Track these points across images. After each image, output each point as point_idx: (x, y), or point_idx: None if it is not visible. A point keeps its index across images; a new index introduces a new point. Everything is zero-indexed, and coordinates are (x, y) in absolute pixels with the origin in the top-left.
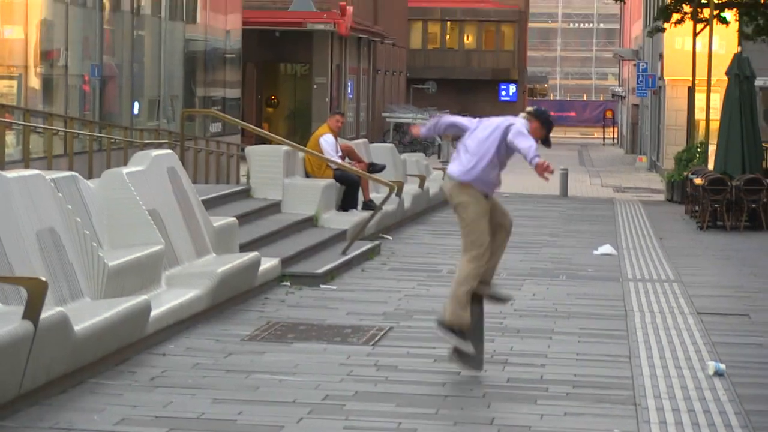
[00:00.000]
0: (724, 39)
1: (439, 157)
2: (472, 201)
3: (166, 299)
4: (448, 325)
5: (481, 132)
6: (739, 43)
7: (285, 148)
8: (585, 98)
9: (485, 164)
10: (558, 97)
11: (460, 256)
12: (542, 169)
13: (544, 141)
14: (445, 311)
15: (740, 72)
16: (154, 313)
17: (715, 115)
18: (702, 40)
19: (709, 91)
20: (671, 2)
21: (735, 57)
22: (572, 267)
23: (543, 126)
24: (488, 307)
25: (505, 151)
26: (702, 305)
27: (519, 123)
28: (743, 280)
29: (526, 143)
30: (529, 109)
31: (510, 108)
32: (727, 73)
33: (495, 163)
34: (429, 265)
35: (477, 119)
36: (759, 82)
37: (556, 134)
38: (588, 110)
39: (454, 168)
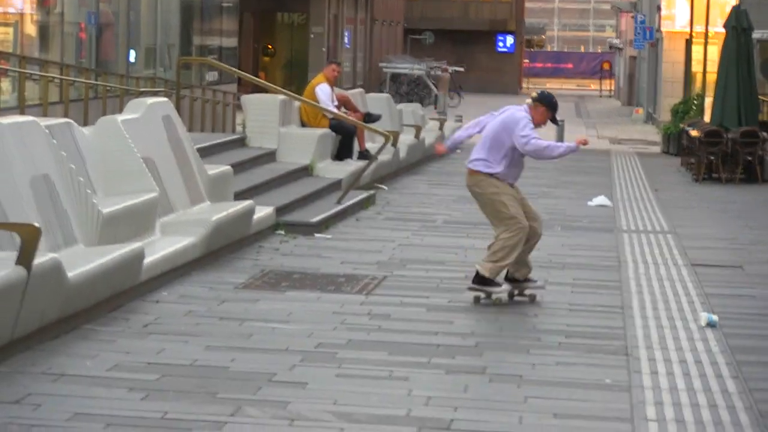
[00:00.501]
0: None
1: (435, 108)
2: (500, 190)
3: (160, 247)
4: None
5: (490, 128)
6: None
7: (281, 97)
8: (582, 50)
9: (503, 158)
10: (555, 49)
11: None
12: (581, 144)
13: (552, 120)
14: (484, 269)
15: (738, 24)
16: (147, 260)
17: (712, 67)
18: None
19: (706, 44)
20: None
21: (733, 10)
22: (567, 218)
23: (549, 109)
24: (481, 257)
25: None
26: (696, 257)
27: (521, 124)
28: (738, 232)
29: (543, 149)
30: (533, 95)
31: (507, 60)
32: (725, 26)
33: (511, 157)
34: (424, 215)
35: (490, 114)
36: (756, 34)
37: (553, 85)
38: (585, 62)
39: (478, 162)
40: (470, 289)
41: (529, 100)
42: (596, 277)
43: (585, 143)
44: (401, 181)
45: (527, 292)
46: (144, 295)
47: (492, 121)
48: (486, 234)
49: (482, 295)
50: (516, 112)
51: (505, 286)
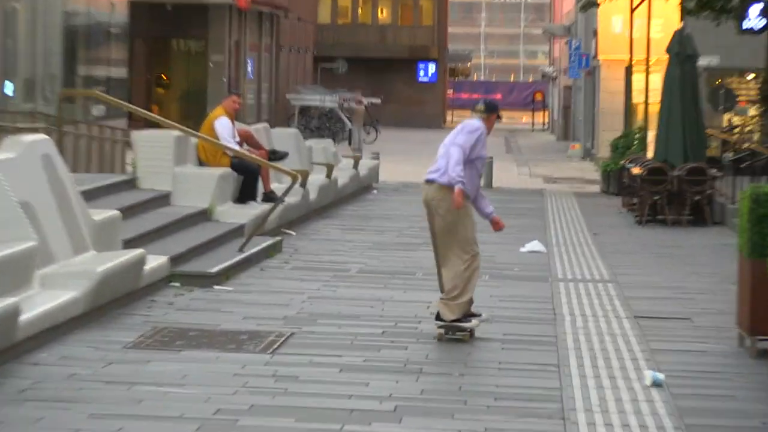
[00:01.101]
0: (664, 15)
1: (349, 144)
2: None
3: (39, 302)
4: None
5: (449, 139)
6: (681, 19)
7: (176, 133)
8: (512, 79)
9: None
10: (482, 78)
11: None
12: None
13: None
14: (450, 312)
15: (682, 51)
16: (24, 317)
17: (655, 97)
18: (640, 16)
19: (647, 72)
20: None
21: (676, 34)
22: (496, 266)
23: (494, 113)
24: (401, 311)
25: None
26: (639, 308)
27: (474, 135)
28: (685, 280)
29: (454, 164)
30: (479, 106)
31: (429, 90)
32: (667, 52)
33: (470, 168)
34: (336, 263)
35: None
36: (702, 61)
37: None
38: (515, 92)
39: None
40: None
41: (479, 112)
42: (529, 332)
43: (498, 226)
44: (311, 226)
45: (468, 325)
46: (20, 356)
47: (451, 133)
48: (407, 285)
49: (443, 331)
50: (473, 121)
51: (475, 321)
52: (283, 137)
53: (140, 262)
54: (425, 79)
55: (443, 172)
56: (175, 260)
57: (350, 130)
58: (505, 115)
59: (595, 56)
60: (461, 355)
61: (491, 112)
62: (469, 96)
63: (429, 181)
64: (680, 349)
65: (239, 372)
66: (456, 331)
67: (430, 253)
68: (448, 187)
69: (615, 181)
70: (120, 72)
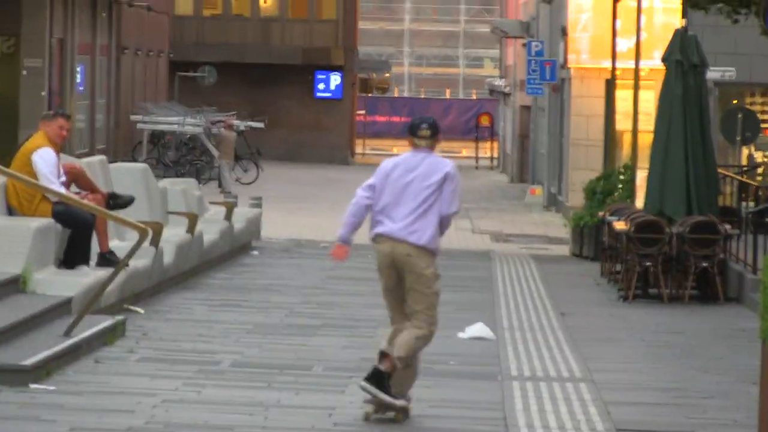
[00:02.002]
0: (661, 9)
1: (219, 186)
2: (438, 275)
3: None
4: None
5: (416, 187)
6: (684, 15)
7: None
8: (448, 96)
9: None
10: (407, 94)
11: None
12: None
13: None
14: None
15: (684, 58)
16: None
17: (647, 123)
18: (627, 10)
19: (637, 87)
20: None
21: (676, 36)
22: (426, 358)
23: (439, 134)
24: (292, 421)
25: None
26: (624, 417)
27: (456, 184)
28: (687, 379)
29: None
30: (424, 131)
31: (332, 111)
32: (664, 60)
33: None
34: (201, 354)
35: (381, 173)
36: (713, 74)
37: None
38: (453, 114)
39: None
40: (363, 388)
41: (425, 139)
42: None
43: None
44: (166, 301)
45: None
46: None
47: (413, 174)
48: (300, 384)
49: (371, 408)
50: (442, 161)
51: (403, 402)
52: (127, 175)
53: None
54: (326, 95)
55: (420, 232)
56: None
57: (219, 166)
58: (438, 147)
59: (564, 65)
60: None
61: (437, 134)
62: (387, 119)
63: (399, 240)
64: None
65: None
66: (386, 410)
67: (336, 339)
68: (429, 251)
69: (591, 240)
70: None
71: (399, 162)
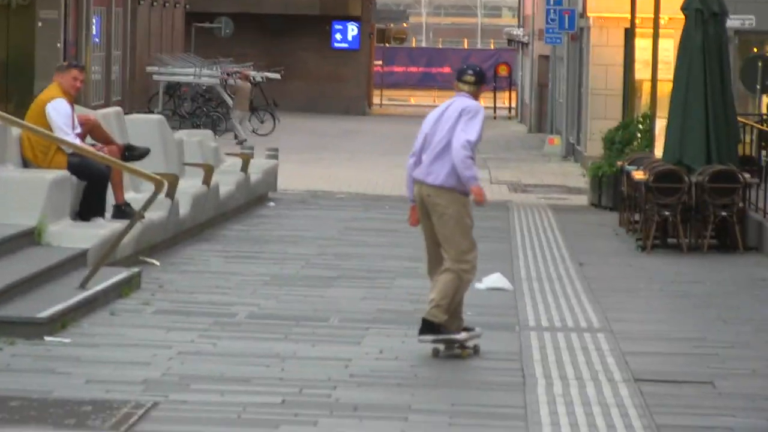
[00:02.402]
0: None
1: (235, 138)
2: (467, 209)
3: None
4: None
5: (444, 126)
6: None
7: None
8: (466, 46)
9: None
10: (424, 44)
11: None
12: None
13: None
14: (440, 308)
15: (704, 6)
16: None
17: (667, 73)
18: None
19: (656, 36)
20: None
21: None
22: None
23: (484, 83)
24: (308, 372)
25: None
26: (642, 368)
27: (476, 120)
28: (706, 328)
29: (470, 164)
30: (469, 77)
31: (349, 61)
32: (684, 8)
33: None
34: (217, 305)
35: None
36: (734, 22)
37: (421, 101)
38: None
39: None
40: (422, 341)
41: (468, 85)
42: (488, 402)
43: (480, 198)
44: (182, 253)
45: (468, 344)
46: None
47: (439, 118)
48: (317, 336)
49: (441, 346)
50: (467, 101)
51: (474, 332)
52: (143, 127)
53: None
54: (343, 46)
55: (435, 172)
56: None
57: (233, 116)
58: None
59: (583, 14)
60: None
61: (482, 83)
62: (405, 69)
63: (421, 182)
64: (698, 425)
65: None
66: (452, 345)
67: (353, 291)
68: (446, 190)
69: (609, 190)
70: None
71: (436, 109)
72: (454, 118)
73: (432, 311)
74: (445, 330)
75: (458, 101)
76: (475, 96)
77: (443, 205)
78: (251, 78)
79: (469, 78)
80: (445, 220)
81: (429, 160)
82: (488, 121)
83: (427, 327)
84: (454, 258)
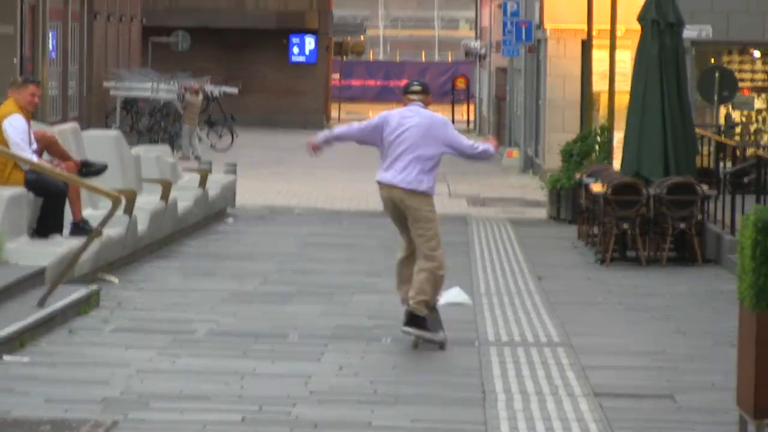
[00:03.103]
0: None
1: (176, 151)
2: (437, 212)
3: None
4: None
5: (413, 137)
6: None
7: None
8: (424, 59)
9: (431, 170)
10: (381, 57)
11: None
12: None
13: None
14: (421, 303)
15: (660, 17)
16: None
17: (624, 84)
18: None
19: (613, 48)
20: None
21: None
22: (401, 324)
23: (430, 92)
24: (267, 389)
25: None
26: (602, 382)
27: (451, 128)
28: (665, 342)
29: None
30: (414, 87)
31: (307, 75)
32: (640, 19)
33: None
34: (176, 323)
35: (380, 117)
36: (690, 33)
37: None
38: (428, 77)
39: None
40: (405, 332)
41: (418, 94)
42: (448, 417)
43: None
44: (140, 270)
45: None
46: None
47: (403, 130)
48: (276, 353)
49: (422, 338)
50: (432, 115)
51: (443, 334)
52: (100, 143)
53: None
54: (300, 59)
55: (411, 177)
56: None
57: (182, 129)
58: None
59: (540, 26)
60: None
61: (428, 92)
62: (362, 83)
63: (392, 186)
64: None
65: None
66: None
67: (311, 307)
68: (423, 195)
69: (568, 203)
70: None
71: (395, 114)
72: (427, 126)
73: (415, 306)
74: (426, 324)
75: (425, 112)
76: (426, 104)
77: (415, 208)
78: (209, 93)
79: (417, 88)
80: (419, 220)
81: (403, 165)
82: None
83: (412, 320)
84: (425, 257)
